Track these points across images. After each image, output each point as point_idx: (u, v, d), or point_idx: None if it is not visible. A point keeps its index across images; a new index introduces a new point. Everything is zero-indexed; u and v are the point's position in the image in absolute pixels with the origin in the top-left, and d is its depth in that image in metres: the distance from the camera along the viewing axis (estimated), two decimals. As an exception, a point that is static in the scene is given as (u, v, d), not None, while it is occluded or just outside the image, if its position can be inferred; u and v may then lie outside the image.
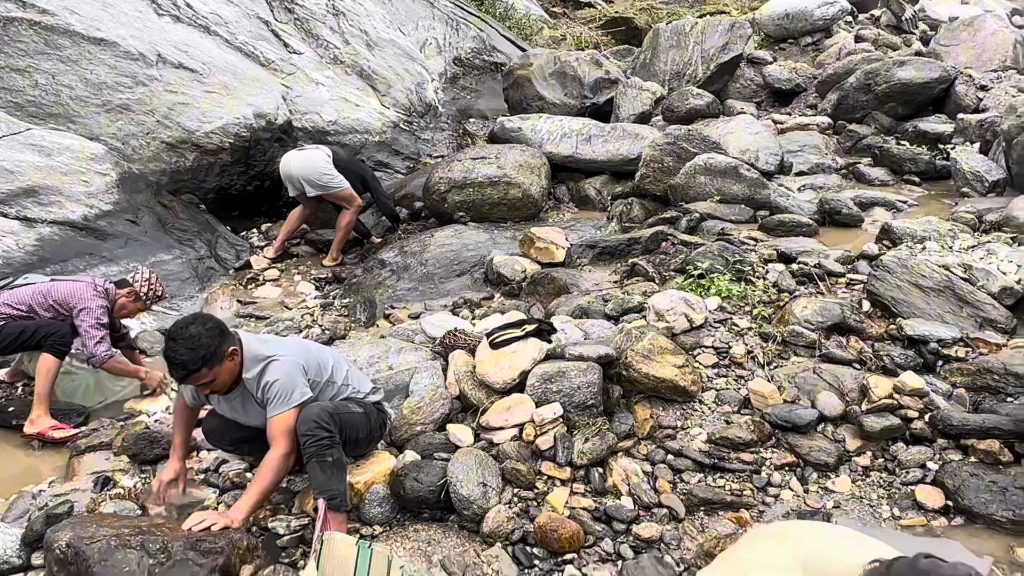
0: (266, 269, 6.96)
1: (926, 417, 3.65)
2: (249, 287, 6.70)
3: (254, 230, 7.85)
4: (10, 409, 4.63)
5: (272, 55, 8.57)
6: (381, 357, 4.24)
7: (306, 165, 6.82)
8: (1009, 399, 3.75)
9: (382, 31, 10.07)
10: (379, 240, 7.36)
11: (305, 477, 3.36)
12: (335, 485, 3.14)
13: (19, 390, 4.80)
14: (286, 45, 8.85)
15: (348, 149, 7.90)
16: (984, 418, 3.56)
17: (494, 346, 3.89)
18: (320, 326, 5.69)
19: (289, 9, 9.32)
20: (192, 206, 7.38)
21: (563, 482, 3.39)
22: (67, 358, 4.67)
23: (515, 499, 3.32)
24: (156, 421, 4.49)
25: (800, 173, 7.63)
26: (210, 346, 3.04)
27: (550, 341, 3.94)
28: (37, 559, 3.15)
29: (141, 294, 4.96)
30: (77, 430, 4.45)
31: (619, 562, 3.03)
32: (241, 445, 3.67)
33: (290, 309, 6.24)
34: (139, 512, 3.56)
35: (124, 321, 5.35)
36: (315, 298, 6.43)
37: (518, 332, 3.91)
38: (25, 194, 6.16)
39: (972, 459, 3.46)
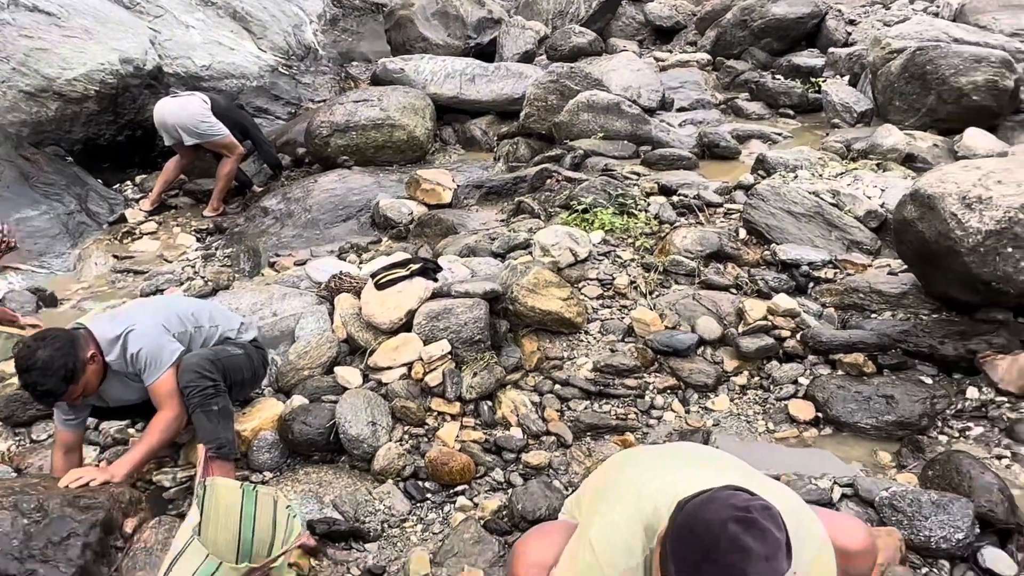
0: (143, 222, 6.65)
1: (798, 336, 3.82)
2: (125, 241, 6.41)
3: (128, 182, 7.46)
4: None
5: (137, -4, 8.13)
6: (265, 304, 4.13)
7: (181, 112, 6.51)
8: (873, 315, 3.96)
9: (255, -30, 9.67)
10: (261, 188, 7.11)
11: (190, 428, 3.26)
12: (223, 433, 3.06)
13: None
14: (152, -14, 8.40)
15: (225, 95, 7.57)
16: (850, 334, 3.77)
17: (379, 287, 3.84)
18: (202, 278, 5.50)
19: (153, -53, 8.82)
20: (58, 159, 6.96)
21: (453, 417, 3.41)
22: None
23: (406, 436, 3.32)
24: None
25: (681, 109, 7.75)
26: (67, 363, 2.82)
27: (436, 279, 3.91)
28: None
29: None
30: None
31: (509, 490, 3.07)
32: (129, 414, 3.53)
33: (170, 262, 6.00)
34: (14, 474, 3.41)
35: None
36: (196, 250, 6.20)
37: (403, 272, 3.87)
38: None
39: (839, 372, 3.65)
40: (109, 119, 7.21)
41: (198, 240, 6.43)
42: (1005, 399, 3.46)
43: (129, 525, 2.77)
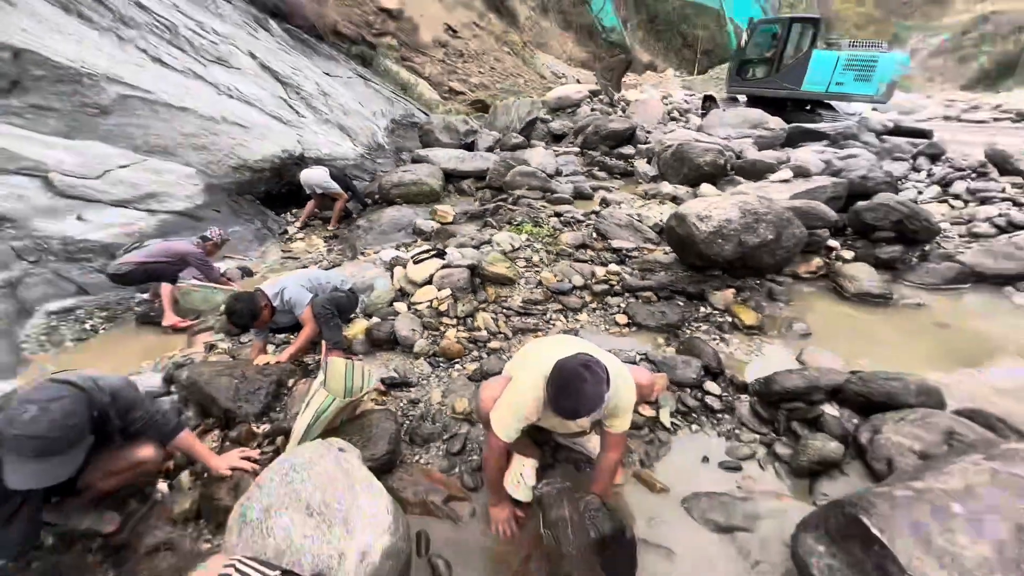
0: (296, 234, 6.41)
1: (620, 284, 3.82)
2: (287, 243, 6.17)
3: (288, 213, 7.16)
4: (151, 314, 4.14)
5: (289, 117, 7.69)
6: (357, 273, 4.00)
7: (314, 176, 6.29)
8: (656, 273, 3.97)
9: (350, 105, 9.24)
10: (357, 216, 6.83)
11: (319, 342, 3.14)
12: (337, 336, 3.01)
13: (156, 303, 4.27)
14: (296, 112, 7.96)
15: (337, 167, 7.25)
16: (645, 282, 3.78)
17: (416, 262, 3.78)
18: (327, 260, 5.34)
19: (297, 92, 8.38)
20: (251, 201, 6.63)
21: (453, 326, 3.36)
22: (183, 283, 4.21)
23: (429, 336, 3.26)
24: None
25: (566, 175, 7.61)
26: (252, 310, 2.82)
27: (444, 258, 3.86)
28: (172, 389, 2.88)
29: (218, 243, 4.54)
30: (193, 322, 4.04)
31: (480, 360, 3.05)
32: (289, 331, 3.40)
33: (310, 253, 5.80)
34: (231, 359, 3.29)
35: (216, 264, 4.86)
36: (325, 247, 6.00)
37: (427, 255, 3.81)
38: (148, 197, 5.37)
39: (640, 300, 3.66)
40: (277, 181, 6.87)
41: (325, 242, 6.20)
42: (717, 312, 3.53)
43: (291, 383, 2.72)
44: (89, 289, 4.47)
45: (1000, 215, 5.06)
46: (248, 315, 2.78)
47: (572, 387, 1.54)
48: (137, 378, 2.88)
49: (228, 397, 2.43)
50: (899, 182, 6.26)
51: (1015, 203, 5.35)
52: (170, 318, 3.99)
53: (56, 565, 1.75)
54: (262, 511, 1.41)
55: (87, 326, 4.05)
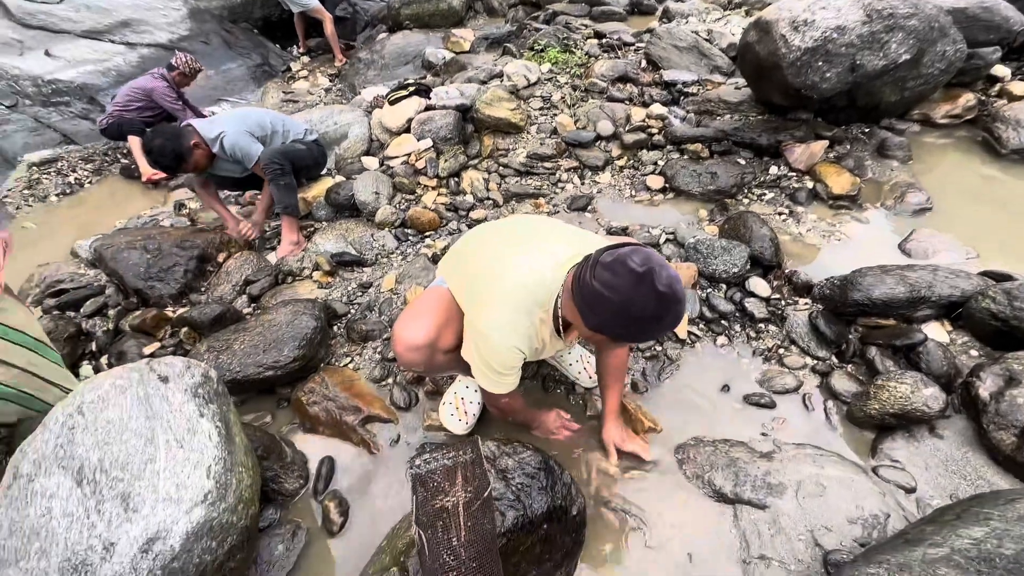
0: (299, 71, 5.49)
1: (662, 133, 2.81)
2: (290, 83, 5.32)
3: (296, 46, 6.14)
4: (132, 167, 3.74)
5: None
6: (328, 116, 3.20)
7: None
8: (718, 117, 2.89)
9: None
10: (354, 42, 5.65)
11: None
12: (289, 199, 2.43)
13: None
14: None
15: None
16: (698, 130, 2.74)
17: (391, 103, 2.93)
18: (324, 102, 4.55)
19: None
20: (248, 31, 5.69)
21: (433, 188, 2.66)
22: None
23: (402, 201, 2.60)
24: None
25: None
26: (175, 148, 2.19)
27: (429, 97, 2.96)
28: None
29: (186, 72, 3.85)
30: (165, 176, 3.59)
31: (454, 235, 2.40)
32: (241, 185, 2.80)
33: (312, 94, 4.99)
34: (188, 223, 2.86)
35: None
36: (327, 88, 5.09)
37: (405, 92, 2.92)
38: (122, 25, 4.62)
39: (686, 156, 2.69)
40: (275, 3, 5.75)
41: (329, 80, 5.28)
42: (794, 174, 2.52)
43: (220, 257, 2.26)
44: (75, 138, 4.10)
45: None
46: (171, 154, 2.21)
47: (672, 305, 0.88)
48: (78, 246, 2.55)
49: (137, 275, 2.03)
50: None
51: None
52: (146, 171, 3.58)
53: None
54: (33, 465, 0.99)
55: (71, 179, 3.76)
